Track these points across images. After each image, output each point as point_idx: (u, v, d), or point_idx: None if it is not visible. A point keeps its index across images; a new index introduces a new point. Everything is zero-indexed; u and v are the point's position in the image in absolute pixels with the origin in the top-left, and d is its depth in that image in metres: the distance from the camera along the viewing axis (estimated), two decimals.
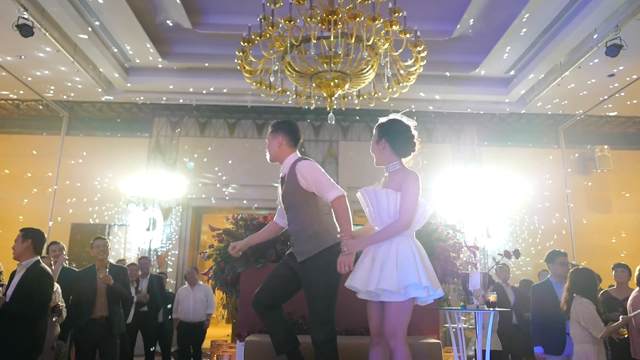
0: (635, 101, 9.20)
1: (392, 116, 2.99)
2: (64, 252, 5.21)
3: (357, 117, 10.08)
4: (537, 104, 9.36)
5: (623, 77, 8.26)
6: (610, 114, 10.02)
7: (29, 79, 8.66)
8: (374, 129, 2.98)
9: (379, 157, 2.92)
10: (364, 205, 2.82)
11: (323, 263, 2.84)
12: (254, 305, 3.00)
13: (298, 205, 2.95)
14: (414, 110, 8.86)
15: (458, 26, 7.64)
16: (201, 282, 7.24)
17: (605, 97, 8.97)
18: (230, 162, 10.20)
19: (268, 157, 3.15)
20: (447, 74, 8.79)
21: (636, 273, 4.49)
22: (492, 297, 3.67)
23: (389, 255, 2.64)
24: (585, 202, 10.52)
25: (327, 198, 2.84)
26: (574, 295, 3.85)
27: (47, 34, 6.89)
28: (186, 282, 7.28)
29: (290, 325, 3.10)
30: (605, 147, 10.44)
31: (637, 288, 4.42)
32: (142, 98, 9.65)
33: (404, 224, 2.69)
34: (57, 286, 4.49)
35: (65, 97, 9.51)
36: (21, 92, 9.22)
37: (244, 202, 10.13)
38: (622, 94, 8.79)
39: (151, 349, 6.72)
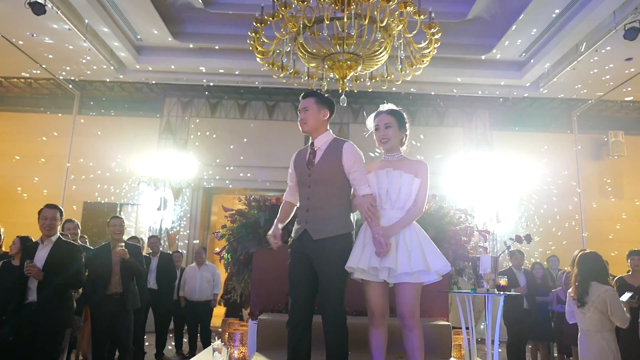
0: None
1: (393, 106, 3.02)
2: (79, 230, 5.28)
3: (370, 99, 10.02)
4: (551, 88, 9.24)
5: None
6: (627, 98, 9.86)
7: (41, 57, 8.68)
8: (392, 114, 2.94)
9: (397, 143, 2.93)
10: (381, 186, 2.83)
11: (343, 246, 2.82)
12: (296, 327, 2.79)
13: (331, 182, 2.87)
14: (432, 93, 8.72)
15: (473, 8, 7.51)
16: (208, 262, 7.31)
17: (623, 82, 8.81)
18: (240, 143, 10.22)
19: (307, 124, 2.95)
20: (461, 56, 8.67)
21: None
22: (503, 281, 3.69)
23: (411, 239, 2.76)
24: (597, 188, 10.44)
25: (359, 191, 2.83)
26: (591, 282, 3.76)
27: (58, 12, 6.89)
28: (194, 262, 7.36)
29: None
30: (620, 132, 10.31)
31: None
32: (153, 78, 9.65)
33: (421, 210, 2.85)
34: None
35: (76, 76, 9.53)
36: (34, 70, 9.24)
37: (254, 183, 10.17)
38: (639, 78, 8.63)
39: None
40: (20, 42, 8.11)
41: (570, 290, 3.97)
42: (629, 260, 5.09)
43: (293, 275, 2.87)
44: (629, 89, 8.95)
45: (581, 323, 3.78)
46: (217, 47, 8.73)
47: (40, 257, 3.88)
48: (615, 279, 4.88)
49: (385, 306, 2.82)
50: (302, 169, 2.95)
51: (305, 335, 2.82)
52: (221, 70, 9.26)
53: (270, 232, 2.93)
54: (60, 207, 4.11)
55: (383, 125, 2.92)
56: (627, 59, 8.09)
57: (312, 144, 2.97)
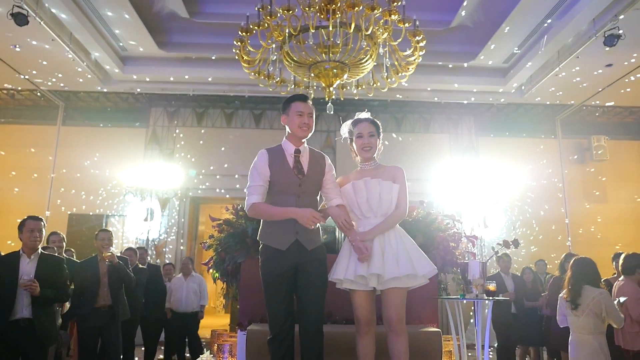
0: (629, 89, 9.20)
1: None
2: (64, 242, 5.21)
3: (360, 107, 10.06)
4: (535, 94, 9.37)
5: (621, 67, 8.27)
6: (608, 104, 10.05)
7: (25, 68, 8.58)
8: (374, 124, 3.02)
9: (374, 151, 2.98)
10: (360, 195, 2.85)
11: (325, 254, 2.91)
12: (283, 341, 2.75)
13: (315, 192, 2.95)
14: (418, 100, 8.73)
15: (457, 16, 7.60)
16: (195, 273, 7.23)
17: (604, 87, 8.98)
18: (227, 152, 10.18)
19: (310, 130, 2.91)
20: (445, 64, 8.76)
21: (621, 262, 4.48)
22: (491, 287, 3.71)
23: (397, 244, 2.79)
24: (582, 192, 10.58)
25: (334, 201, 2.89)
26: (584, 285, 3.82)
27: (42, 22, 6.82)
28: (180, 273, 7.27)
29: None
30: (603, 137, 10.49)
31: (622, 277, 4.45)
32: (138, 88, 9.59)
33: (404, 213, 2.90)
34: None
35: (61, 86, 9.44)
36: (21, 77, 9.09)
37: (241, 192, 10.06)
38: (620, 84, 8.80)
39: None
40: (3, 52, 8.00)
41: (562, 293, 4.01)
42: (614, 263, 5.16)
43: (282, 288, 2.78)
44: (606, 88, 9.08)
45: (573, 326, 3.82)
46: (203, 57, 8.71)
47: (28, 270, 3.75)
48: (602, 281, 4.94)
49: (372, 313, 2.83)
50: (289, 177, 2.83)
51: (291, 349, 2.81)
52: (208, 80, 9.24)
53: (307, 213, 2.67)
54: (42, 218, 4.01)
55: (367, 133, 2.96)
56: (607, 65, 8.25)
57: (298, 150, 2.90)
